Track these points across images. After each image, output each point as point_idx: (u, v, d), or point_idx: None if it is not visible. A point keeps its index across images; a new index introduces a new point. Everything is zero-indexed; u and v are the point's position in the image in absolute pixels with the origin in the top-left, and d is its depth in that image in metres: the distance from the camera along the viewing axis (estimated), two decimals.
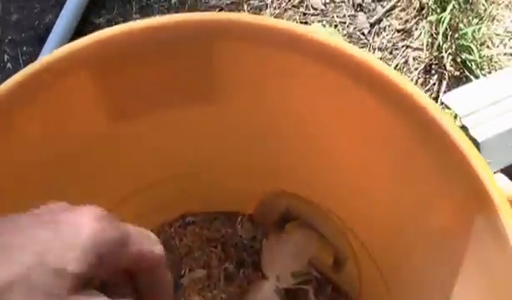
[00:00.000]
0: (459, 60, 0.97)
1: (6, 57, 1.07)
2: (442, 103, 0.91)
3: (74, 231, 0.28)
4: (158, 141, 0.60)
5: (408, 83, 0.44)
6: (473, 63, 0.96)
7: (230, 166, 0.67)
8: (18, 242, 0.27)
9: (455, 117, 0.86)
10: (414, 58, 1.01)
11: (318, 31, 0.54)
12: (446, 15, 0.96)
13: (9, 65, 1.07)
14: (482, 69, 0.96)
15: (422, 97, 0.44)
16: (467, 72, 0.97)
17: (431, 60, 1.00)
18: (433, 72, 0.99)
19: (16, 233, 0.27)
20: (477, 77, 0.96)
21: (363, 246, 0.66)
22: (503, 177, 0.77)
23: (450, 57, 0.98)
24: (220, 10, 1.05)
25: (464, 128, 0.84)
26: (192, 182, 0.70)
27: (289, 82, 0.52)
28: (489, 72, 0.97)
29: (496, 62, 0.98)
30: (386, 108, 0.47)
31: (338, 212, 0.67)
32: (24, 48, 1.08)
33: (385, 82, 0.45)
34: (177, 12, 1.06)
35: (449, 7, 0.96)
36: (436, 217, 0.50)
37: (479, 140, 0.82)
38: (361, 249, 0.67)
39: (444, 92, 0.97)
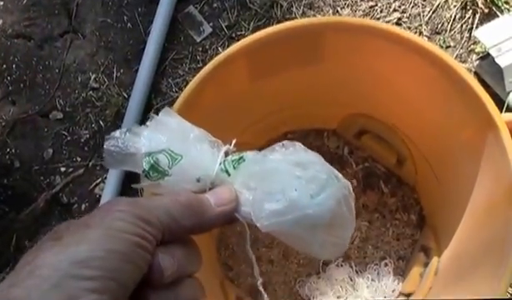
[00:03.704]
0: None
1: (125, 18, 1.29)
2: (475, 37, 1.14)
3: None
4: (279, 90, 0.89)
5: (452, 60, 0.73)
6: (499, 2, 1.16)
7: (322, 100, 0.95)
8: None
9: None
10: None
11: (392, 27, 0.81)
12: None
13: (129, 25, 1.29)
14: (507, 3, 1.16)
15: (459, 67, 0.72)
16: (495, 9, 1.17)
17: None
18: (468, 8, 1.19)
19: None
20: (502, 13, 1.16)
21: (419, 150, 0.95)
22: None
23: None
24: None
25: (490, 56, 1.08)
26: (295, 111, 0.99)
27: (367, 54, 0.80)
28: None
29: None
30: (438, 74, 0.75)
31: (400, 127, 0.96)
32: (139, 10, 1.29)
33: (438, 57, 0.73)
34: None
35: None
36: (465, 132, 0.79)
37: (502, 66, 1.05)
38: (417, 152, 0.96)
39: (477, 24, 1.17)
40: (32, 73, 1.27)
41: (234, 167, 0.44)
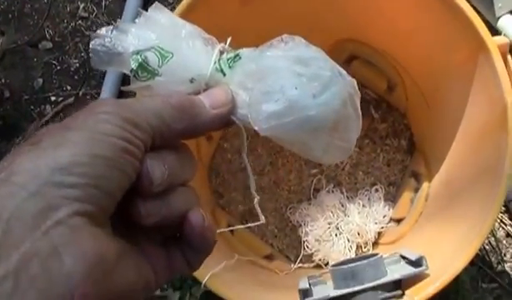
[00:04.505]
0: None
1: None
2: None
3: None
4: (268, 15, 0.88)
5: None
6: None
7: (312, 26, 0.93)
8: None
9: None
10: None
11: None
12: None
13: None
14: None
15: None
16: None
17: None
18: None
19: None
20: None
21: (409, 75, 0.94)
22: (510, 18, 1.02)
23: None
24: None
25: None
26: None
27: None
28: None
29: None
30: None
31: (391, 52, 0.95)
32: None
33: None
34: None
35: None
36: (456, 56, 0.78)
37: None
38: (407, 78, 0.95)
39: None
40: (20, 4, 1.25)
41: (230, 66, 0.40)
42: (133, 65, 0.39)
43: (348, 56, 1.01)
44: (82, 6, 1.22)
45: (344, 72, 0.39)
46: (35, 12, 1.24)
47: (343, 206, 1.02)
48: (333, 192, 1.02)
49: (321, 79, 0.38)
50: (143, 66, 0.39)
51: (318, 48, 0.39)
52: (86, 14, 1.22)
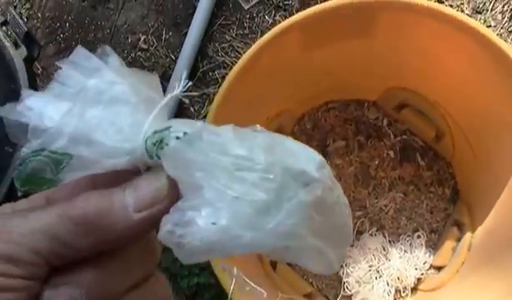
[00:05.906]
0: None
1: None
2: None
3: None
4: (326, 61, 0.91)
5: (498, 39, 0.73)
6: None
7: (366, 72, 0.97)
8: None
9: None
10: None
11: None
12: None
13: None
14: None
15: (504, 45, 0.73)
16: None
17: None
18: None
19: None
20: None
21: (459, 126, 0.96)
22: None
23: None
24: None
25: None
26: (338, 81, 1.01)
27: (417, 31, 0.81)
28: None
29: None
30: (483, 52, 0.76)
31: (442, 103, 0.97)
32: None
33: (485, 36, 0.74)
34: None
35: None
36: (509, 113, 0.80)
37: None
38: (456, 128, 0.97)
39: None
40: (84, 32, 1.31)
41: (157, 155, 0.28)
42: (17, 184, 0.29)
43: (398, 103, 1.04)
44: (142, 38, 1.28)
45: (314, 171, 0.28)
46: (97, 41, 1.30)
47: (384, 249, 1.03)
48: (375, 235, 1.04)
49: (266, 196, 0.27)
50: (31, 180, 0.29)
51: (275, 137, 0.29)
52: (146, 46, 1.27)
